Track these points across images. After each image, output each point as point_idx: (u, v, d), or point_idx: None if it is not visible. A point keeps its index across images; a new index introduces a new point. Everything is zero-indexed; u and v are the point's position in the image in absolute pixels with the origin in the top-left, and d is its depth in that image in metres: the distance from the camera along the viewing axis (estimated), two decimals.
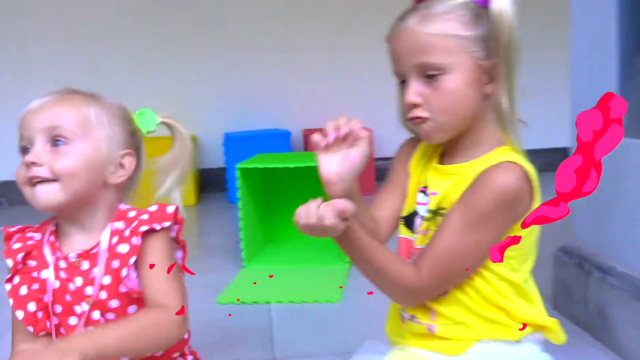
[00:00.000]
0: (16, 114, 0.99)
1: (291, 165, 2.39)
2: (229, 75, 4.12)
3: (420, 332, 1.02)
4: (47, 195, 0.93)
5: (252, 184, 2.55)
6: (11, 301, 0.97)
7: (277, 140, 3.75)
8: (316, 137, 0.97)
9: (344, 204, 0.86)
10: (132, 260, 0.93)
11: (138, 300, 0.96)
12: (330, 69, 4.14)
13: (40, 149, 0.94)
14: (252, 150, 3.10)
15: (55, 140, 0.95)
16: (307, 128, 4.01)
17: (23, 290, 0.96)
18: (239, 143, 3.73)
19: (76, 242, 0.98)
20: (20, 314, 0.96)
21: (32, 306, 0.96)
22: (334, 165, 0.97)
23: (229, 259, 2.54)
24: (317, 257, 2.48)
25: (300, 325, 1.85)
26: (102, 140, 0.98)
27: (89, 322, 0.95)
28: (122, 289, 0.95)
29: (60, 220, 1.01)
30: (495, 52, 0.94)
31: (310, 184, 2.22)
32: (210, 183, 4.06)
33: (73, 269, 0.96)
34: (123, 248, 0.94)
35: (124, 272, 0.93)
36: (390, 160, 1.13)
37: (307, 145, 3.91)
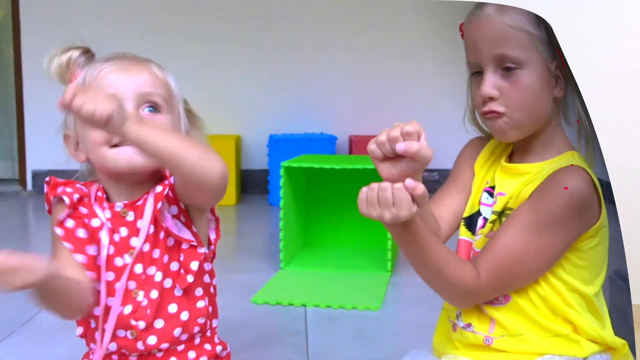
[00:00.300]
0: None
1: (337, 167, 2.33)
2: (277, 76, 4.09)
3: (474, 343, 0.95)
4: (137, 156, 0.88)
5: (295, 185, 2.50)
6: (68, 245, 0.91)
7: (323, 144, 3.71)
8: (372, 147, 0.85)
9: (422, 189, 0.79)
10: (166, 191, 0.89)
11: (172, 249, 0.91)
12: (381, 76, 4.08)
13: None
14: (296, 153, 3.07)
15: (148, 107, 0.91)
16: (353, 134, 3.95)
17: (81, 233, 0.92)
18: (283, 145, 3.70)
19: (122, 199, 0.94)
20: (80, 257, 0.90)
21: (91, 250, 0.91)
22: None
23: (266, 260, 2.48)
24: (357, 263, 2.40)
25: (337, 331, 1.78)
26: (180, 115, 0.96)
27: (130, 276, 0.91)
28: (162, 235, 0.91)
29: (109, 183, 0.95)
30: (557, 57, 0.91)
31: (355, 188, 2.10)
32: (252, 184, 4.03)
33: (118, 219, 0.92)
34: (158, 188, 0.91)
35: (159, 205, 0.89)
36: (443, 171, 1.06)
37: (353, 151, 3.85)
